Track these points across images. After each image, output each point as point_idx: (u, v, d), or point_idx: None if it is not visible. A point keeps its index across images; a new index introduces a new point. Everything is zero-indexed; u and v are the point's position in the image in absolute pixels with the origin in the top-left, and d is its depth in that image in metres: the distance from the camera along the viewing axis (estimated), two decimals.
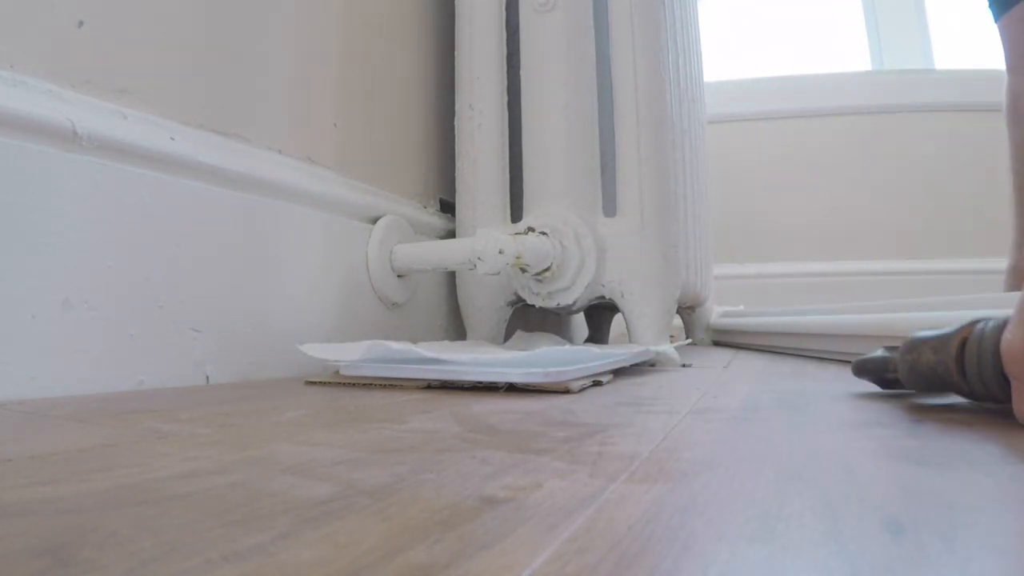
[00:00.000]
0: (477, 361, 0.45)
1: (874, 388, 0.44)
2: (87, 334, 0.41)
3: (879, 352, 0.40)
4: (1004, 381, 0.30)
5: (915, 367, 0.34)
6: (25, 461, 0.21)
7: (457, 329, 0.83)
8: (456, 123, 0.78)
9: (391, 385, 0.46)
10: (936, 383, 0.33)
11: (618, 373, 0.55)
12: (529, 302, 0.74)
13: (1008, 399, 0.30)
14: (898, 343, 0.37)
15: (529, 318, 0.91)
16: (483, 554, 0.13)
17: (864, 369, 0.40)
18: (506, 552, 0.13)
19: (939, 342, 0.33)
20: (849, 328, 0.69)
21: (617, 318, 1.17)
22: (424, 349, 0.48)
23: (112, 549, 0.13)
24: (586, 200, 0.72)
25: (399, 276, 0.71)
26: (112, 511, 0.16)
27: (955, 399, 0.36)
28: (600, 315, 1.16)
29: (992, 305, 0.49)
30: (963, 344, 0.32)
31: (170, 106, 0.48)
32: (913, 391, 0.36)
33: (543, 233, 0.68)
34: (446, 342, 0.63)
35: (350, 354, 0.49)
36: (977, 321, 0.32)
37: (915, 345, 0.35)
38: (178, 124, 0.49)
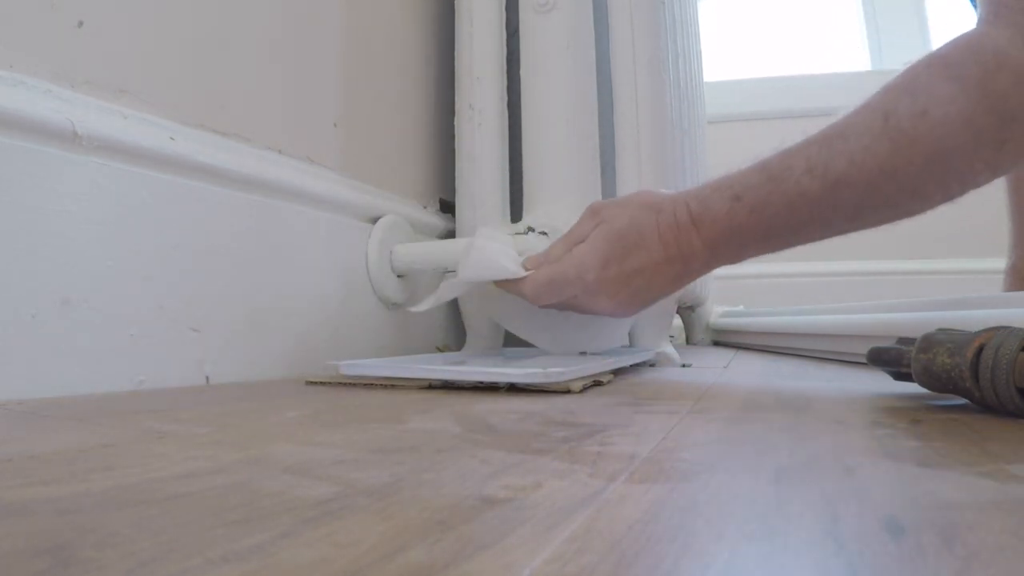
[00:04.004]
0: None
1: (874, 388, 0.44)
2: (87, 334, 0.41)
3: (894, 343, 0.40)
4: (1018, 394, 0.30)
5: (929, 368, 0.34)
6: (25, 461, 0.21)
7: (457, 330, 0.83)
8: (456, 123, 0.78)
9: (391, 385, 0.46)
10: (949, 386, 0.33)
11: (618, 373, 0.55)
12: None
13: (1021, 413, 0.30)
14: (915, 336, 0.37)
15: None
16: (483, 554, 0.13)
17: (879, 359, 0.40)
18: (506, 552, 0.13)
19: (956, 345, 0.33)
20: (849, 328, 0.69)
21: None
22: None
23: (112, 549, 0.13)
24: (586, 200, 0.72)
25: (399, 276, 0.71)
26: (112, 511, 0.16)
27: (960, 400, 0.36)
28: None
29: (992, 305, 0.49)
30: (980, 351, 0.32)
31: (170, 106, 0.48)
32: (924, 389, 0.36)
33: (543, 233, 0.68)
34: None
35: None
36: (997, 329, 0.32)
37: (931, 345, 0.34)
38: (178, 124, 0.49)
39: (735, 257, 0.49)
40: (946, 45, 0.42)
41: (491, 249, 0.55)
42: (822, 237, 0.47)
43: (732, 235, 0.47)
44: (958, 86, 0.40)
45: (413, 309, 0.60)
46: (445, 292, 0.57)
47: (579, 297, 0.52)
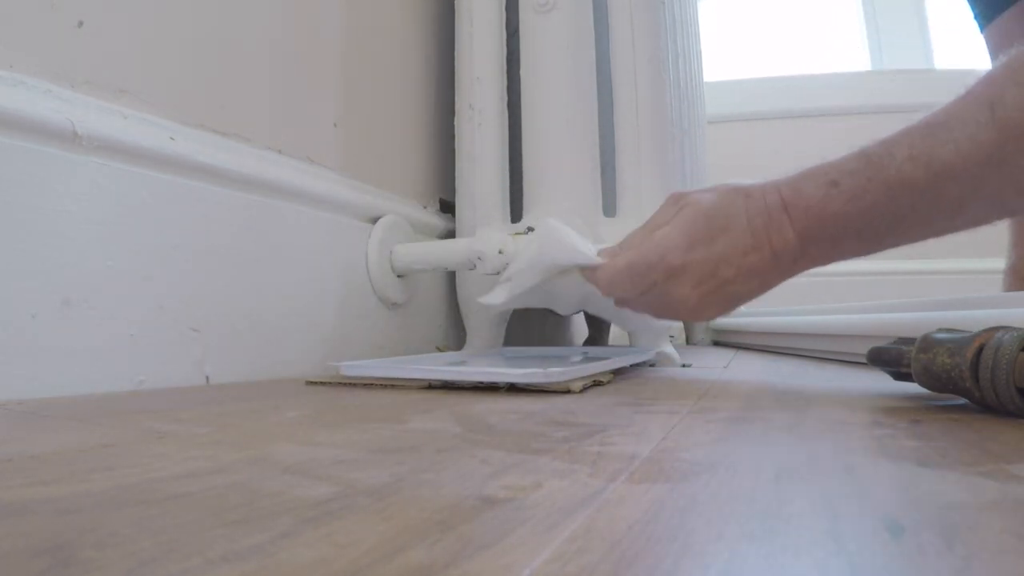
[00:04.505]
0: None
1: (874, 388, 0.44)
2: (87, 334, 0.41)
3: (894, 343, 0.40)
4: (1018, 394, 0.30)
5: (930, 368, 0.34)
6: (25, 461, 0.21)
7: (457, 329, 0.83)
8: (456, 123, 0.78)
9: (391, 385, 0.46)
10: (949, 386, 0.33)
11: (618, 373, 0.55)
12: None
13: (1021, 413, 0.30)
14: (915, 336, 0.37)
15: (529, 319, 0.91)
16: (483, 554, 0.13)
17: (879, 359, 0.40)
18: (506, 552, 0.13)
19: (956, 346, 0.33)
20: (849, 328, 0.69)
21: None
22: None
23: (112, 549, 0.13)
24: (586, 200, 0.72)
25: (399, 276, 0.71)
26: (112, 511, 0.16)
27: (959, 400, 0.36)
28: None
29: (992, 305, 0.49)
30: (980, 351, 0.32)
31: (170, 106, 0.48)
32: (924, 389, 0.36)
33: None
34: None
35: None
36: (997, 329, 0.32)
37: (931, 345, 0.34)
38: (178, 124, 0.49)
39: (827, 254, 0.46)
40: None
41: (564, 232, 0.52)
42: (920, 236, 0.44)
43: (826, 225, 0.44)
44: None
45: (487, 300, 0.56)
46: (516, 287, 0.53)
47: (659, 285, 0.48)
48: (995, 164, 0.40)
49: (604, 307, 0.60)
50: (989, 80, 0.41)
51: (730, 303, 0.49)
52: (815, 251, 0.45)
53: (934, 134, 0.41)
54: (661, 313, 0.51)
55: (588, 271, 0.51)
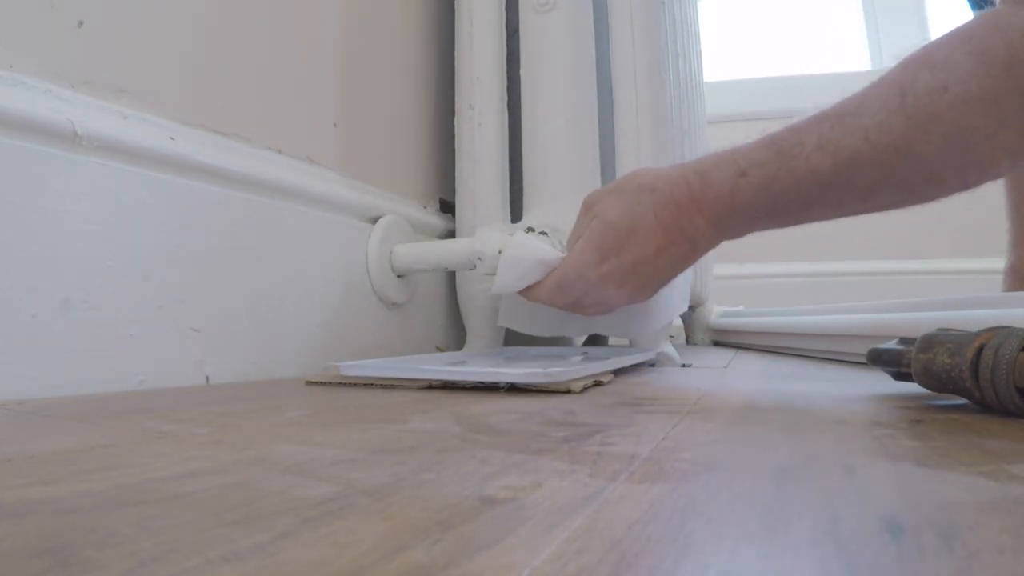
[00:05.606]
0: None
1: (874, 388, 0.44)
2: (87, 334, 0.41)
3: (894, 343, 0.40)
4: (1018, 394, 0.30)
5: (930, 368, 0.34)
6: (25, 461, 0.21)
7: (457, 329, 0.83)
8: (456, 123, 0.78)
9: (391, 385, 0.46)
10: (949, 386, 0.33)
11: (618, 373, 0.55)
12: None
13: (1021, 413, 0.30)
14: (915, 336, 0.37)
15: None
16: (483, 554, 0.13)
17: (879, 359, 0.40)
18: (506, 552, 0.13)
19: (956, 345, 0.33)
20: (849, 328, 0.69)
21: None
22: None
23: (112, 549, 0.13)
24: None
25: (399, 276, 0.71)
26: (112, 511, 0.16)
27: (960, 400, 0.36)
28: None
29: (992, 305, 0.49)
30: (980, 351, 0.31)
31: (170, 106, 0.48)
32: (924, 389, 0.36)
33: (543, 233, 0.68)
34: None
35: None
36: (997, 329, 0.32)
37: (931, 345, 0.34)
38: (178, 124, 0.49)
39: (741, 231, 0.48)
40: (968, 22, 0.40)
41: (530, 248, 0.56)
42: (833, 216, 0.45)
43: (736, 212, 0.46)
44: (981, 62, 0.37)
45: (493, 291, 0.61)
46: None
47: (589, 294, 0.52)
48: (903, 152, 0.39)
49: (584, 324, 0.65)
50: (903, 65, 0.41)
51: (659, 284, 0.53)
52: (729, 231, 0.48)
53: (844, 123, 0.41)
54: (604, 311, 0.55)
55: (527, 291, 0.55)
